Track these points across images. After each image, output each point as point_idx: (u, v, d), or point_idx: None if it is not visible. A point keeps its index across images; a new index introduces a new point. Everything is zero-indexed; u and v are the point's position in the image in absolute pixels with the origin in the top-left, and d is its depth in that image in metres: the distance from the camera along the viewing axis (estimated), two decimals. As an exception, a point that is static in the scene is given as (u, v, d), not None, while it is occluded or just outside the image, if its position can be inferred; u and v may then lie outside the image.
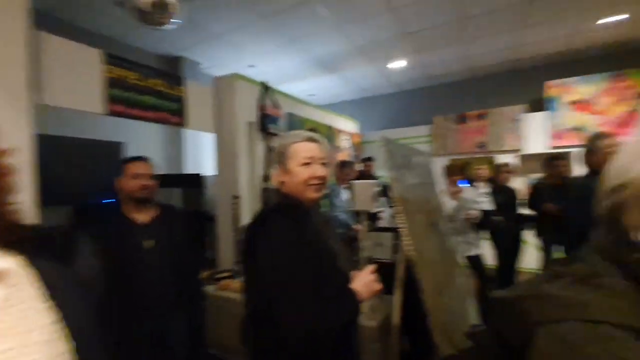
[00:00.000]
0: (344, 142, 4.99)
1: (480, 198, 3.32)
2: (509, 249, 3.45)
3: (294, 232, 0.87)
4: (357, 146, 5.36)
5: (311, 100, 5.31)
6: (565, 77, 4.49)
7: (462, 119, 5.20)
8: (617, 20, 3.62)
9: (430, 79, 5.50)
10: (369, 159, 4.44)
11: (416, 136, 5.57)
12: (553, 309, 0.38)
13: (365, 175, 4.03)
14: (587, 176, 2.10)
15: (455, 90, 5.59)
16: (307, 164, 0.97)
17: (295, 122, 3.68)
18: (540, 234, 3.40)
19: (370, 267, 0.99)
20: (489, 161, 4.71)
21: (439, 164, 4.71)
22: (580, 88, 4.38)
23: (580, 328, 0.35)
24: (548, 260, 3.37)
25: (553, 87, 4.55)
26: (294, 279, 0.83)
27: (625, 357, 0.31)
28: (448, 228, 2.51)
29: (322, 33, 3.84)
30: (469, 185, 3.95)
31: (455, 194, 3.04)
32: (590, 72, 4.36)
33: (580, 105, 4.37)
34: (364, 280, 0.94)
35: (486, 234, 3.44)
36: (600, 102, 4.25)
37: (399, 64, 4.82)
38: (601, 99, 4.25)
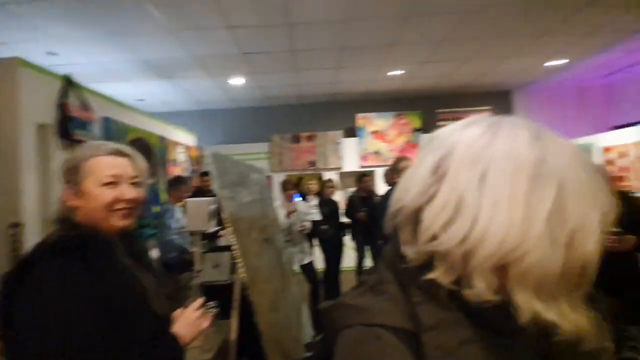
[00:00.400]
0: (180, 156, 4.51)
1: (311, 210, 3.63)
2: (334, 253, 3.89)
3: (78, 280, 0.63)
4: (195, 160, 4.95)
5: (140, 106, 4.56)
6: (368, 112, 5.59)
7: (296, 139, 5.64)
8: (398, 74, 4.78)
9: (268, 99, 5.72)
10: (206, 174, 4.15)
11: (256, 152, 5.64)
12: (346, 316, 0.41)
13: (203, 191, 3.73)
14: (389, 191, 2.62)
15: (290, 112, 6.01)
16: (111, 183, 0.74)
17: (115, 130, 3.03)
18: (354, 237, 4.01)
19: (196, 303, 0.84)
20: (318, 177, 5.27)
21: (276, 180, 4.90)
22: (378, 121, 5.55)
23: (361, 331, 0.39)
24: (361, 259, 4.00)
25: (361, 119, 5.59)
26: (74, 348, 0.59)
27: (387, 353, 0.36)
28: (284, 241, 2.59)
29: (154, 34, 3.35)
30: (302, 198, 4.25)
31: (291, 213, 3.15)
32: (384, 110, 5.61)
33: (377, 134, 5.54)
34: (187, 320, 0.78)
35: (316, 242, 3.78)
36: (390, 133, 5.51)
37: (238, 81, 4.78)
38: (390, 131, 5.52)
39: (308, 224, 3.18)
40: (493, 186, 0.37)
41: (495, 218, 0.36)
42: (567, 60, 4.43)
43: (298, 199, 4.09)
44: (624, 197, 2.12)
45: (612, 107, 5.32)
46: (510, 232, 0.35)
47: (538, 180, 0.36)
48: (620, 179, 4.02)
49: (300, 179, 5.36)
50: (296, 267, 3.14)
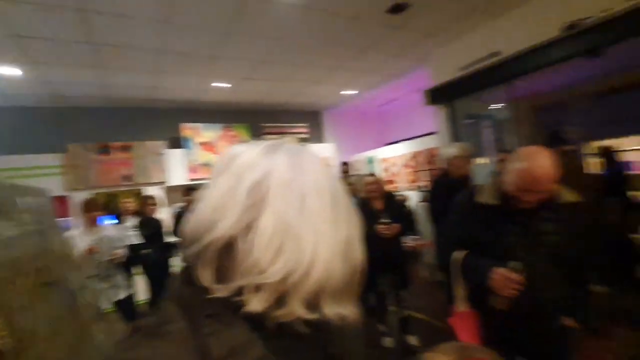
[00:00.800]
0: None
1: (126, 233, 3.05)
2: (160, 279, 3.40)
3: None
4: None
5: None
6: (196, 122, 5.26)
7: (104, 150, 4.62)
8: (224, 86, 4.72)
9: (63, 99, 4.44)
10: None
11: (43, 166, 4.26)
12: None
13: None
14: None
15: (96, 118, 4.87)
16: None
17: None
18: (185, 256, 3.65)
19: None
20: (137, 193, 4.50)
21: (76, 200, 3.92)
22: (206, 132, 5.31)
23: None
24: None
25: (187, 129, 5.19)
26: None
27: None
28: (84, 278, 2.04)
29: None
30: (115, 220, 3.55)
31: (93, 250, 2.46)
32: (212, 122, 5.41)
33: (206, 146, 5.29)
34: None
35: (138, 269, 3.21)
36: (219, 145, 5.37)
37: (10, 71, 3.49)
38: (219, 142, 5.38)
39: (121, 251, 2.64)
40: (310, 214, 0.39)
41: (318, 246, 0.38)
42: (357, 91, 5.61)
43: (110, 222, 3.37)
44: (392, 196, 2.85)
45: (385, 129, 7.13)
46: (329, 257, 0.38)
47: (335, 205, 0.41)
48: (391, 182, 5.44)
49: (111, 196, 4.44)
50: (108, 306, 2.54)
